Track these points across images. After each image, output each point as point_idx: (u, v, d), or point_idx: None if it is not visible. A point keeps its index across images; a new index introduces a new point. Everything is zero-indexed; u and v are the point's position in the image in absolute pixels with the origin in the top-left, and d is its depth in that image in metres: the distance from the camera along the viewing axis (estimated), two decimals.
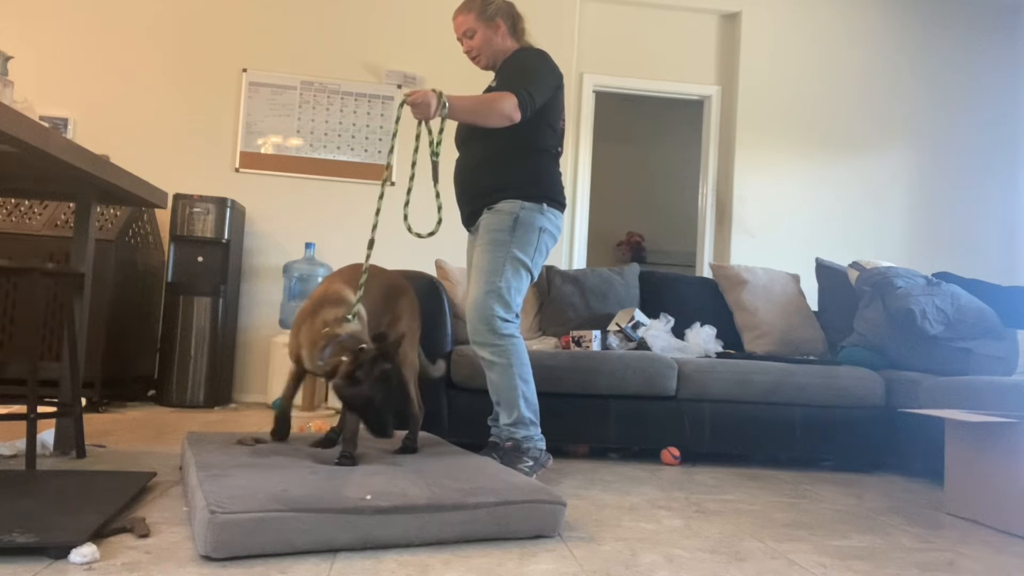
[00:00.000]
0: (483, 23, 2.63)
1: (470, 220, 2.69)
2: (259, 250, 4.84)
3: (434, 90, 2.36)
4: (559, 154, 2.68)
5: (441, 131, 2.48)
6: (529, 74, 2.53)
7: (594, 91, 5.28)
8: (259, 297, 4.83)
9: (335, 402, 4.44)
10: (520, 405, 2.49)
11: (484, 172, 2.60)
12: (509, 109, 2.41)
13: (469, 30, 2.64)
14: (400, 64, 5.00)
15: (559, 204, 2.62)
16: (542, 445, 2.53)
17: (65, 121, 4.67)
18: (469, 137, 2.67)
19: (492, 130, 2.50)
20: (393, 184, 4.94)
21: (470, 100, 2.43)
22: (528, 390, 2.52)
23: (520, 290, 2.52)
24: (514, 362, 2.49)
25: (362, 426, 2.10)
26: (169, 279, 4.37)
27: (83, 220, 2.66)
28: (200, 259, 4.40)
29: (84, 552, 1.45)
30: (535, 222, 2.52)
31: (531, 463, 2.45)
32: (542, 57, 2.62)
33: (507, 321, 2.47)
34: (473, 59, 2.69)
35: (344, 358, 2.03)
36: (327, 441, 2.38)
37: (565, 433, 3.07)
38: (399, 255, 4.77)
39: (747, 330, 3.79)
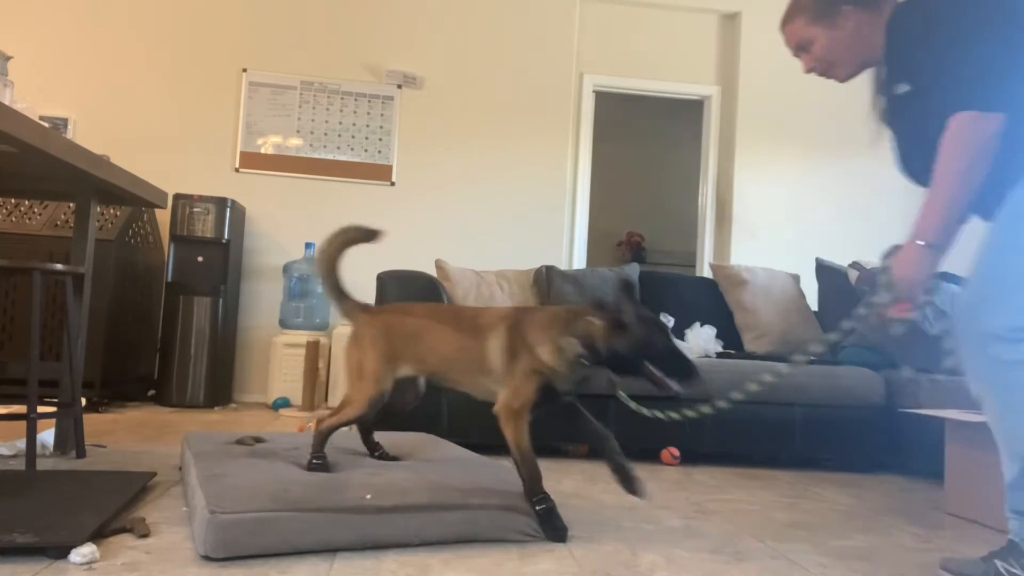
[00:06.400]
0: (822, 25, 1.81)
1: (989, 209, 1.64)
2: (259, 250, 4.84)
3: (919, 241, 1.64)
4: None
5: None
6: (947, 53, 1.57)
7: (594, 91, 5.27)
8: (259, 297, 4.83)
9: (335, 401, 4.43)
10: None
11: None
12: (978, 132, 1.53)
13: (803, 41, 1.86)
14: (400, 64, 5.00)
15: None
16: None
17: (65, 121, 4.67)
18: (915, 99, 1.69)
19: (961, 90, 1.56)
20: (393, 184, 4.95)
21: (940, 187, 1.59)
22: None
23: None
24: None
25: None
26: (169, 279, 4.37)
27: (83, 220, 2.65)
28: (200, 259, 4.40)
29: (84, 552, 1.45)
30: None
31: None
32: (954, 6, 1.62)
33: None
34: (821, 75, 1.89)
35: (590, 318, 1.86)
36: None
37: (565, 433, 3.06)
38: (397, 255, 4.77)
39: (747, 330, 3.79)
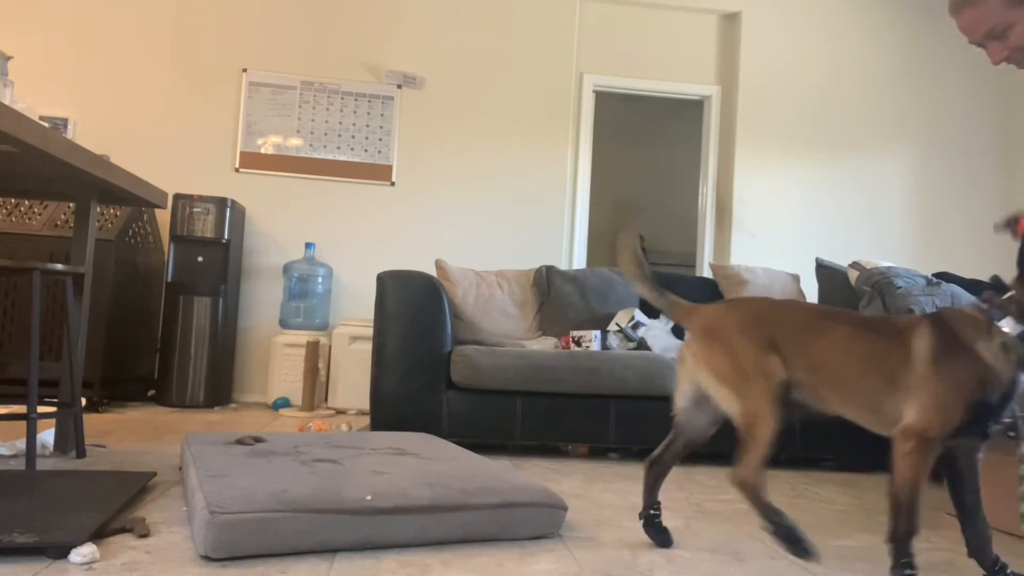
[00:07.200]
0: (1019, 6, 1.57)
1: None
2: (259, 250, 4.84)
3: None
4: None
5: None
6: None
7: (594, 91, 5.27)
8: (259, 297, 4.83)
9: (335, 401, 4.43)
10: None
11: None
12: None
13: (997, 28, 1.60)
14: (400, 64, 5.00)
15: None
16: None
17: (65, 121, 4.67)
18: None
19: None
20: (393, 184, 4.94)
21: None
22: None
23: None
24: None
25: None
26: (169, 279, 4.37)
27: (83, 220, 2.66)
28: (200, 259, 4.40)
29: (84, 552, 1.45)
30: None
31: None
32: None
33: None
34: (1014, 64, 1.67)
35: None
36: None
37: (565, 433, 3.07)
38: (398, 255, 4.77)
39: None
